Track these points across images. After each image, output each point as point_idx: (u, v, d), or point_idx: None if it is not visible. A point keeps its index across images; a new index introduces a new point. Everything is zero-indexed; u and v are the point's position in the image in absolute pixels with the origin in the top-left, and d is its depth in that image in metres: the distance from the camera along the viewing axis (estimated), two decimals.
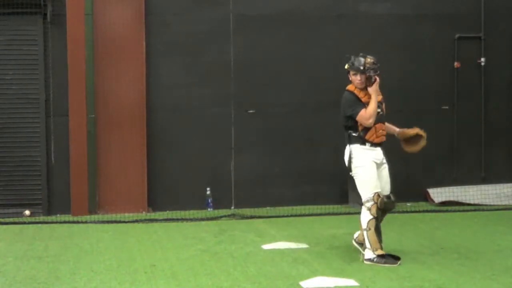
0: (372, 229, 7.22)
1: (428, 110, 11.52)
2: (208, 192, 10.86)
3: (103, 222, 10.08)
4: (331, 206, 10.86)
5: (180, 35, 10.95)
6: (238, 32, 10.99)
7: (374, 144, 7.43)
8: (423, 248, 7.90)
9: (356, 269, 6.89)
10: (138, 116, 10.72)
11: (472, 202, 11.20)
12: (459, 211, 10.71)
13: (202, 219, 10.15)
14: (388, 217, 10.22)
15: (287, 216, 10.16)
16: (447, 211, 10.68)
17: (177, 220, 10.12)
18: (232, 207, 10.71)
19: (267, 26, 11.09)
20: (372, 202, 7.27)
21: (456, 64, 11.50)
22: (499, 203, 11.23)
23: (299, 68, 11.22)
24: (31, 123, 10.67)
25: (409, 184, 11.37)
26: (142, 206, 10.71)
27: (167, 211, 10.66)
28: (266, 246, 8.08)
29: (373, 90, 7.40)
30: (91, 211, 10.52)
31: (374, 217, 7.25)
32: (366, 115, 7.31)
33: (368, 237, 7.22)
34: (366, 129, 7.36)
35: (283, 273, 6.79)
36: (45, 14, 10.53)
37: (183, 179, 10.95)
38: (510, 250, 7.83)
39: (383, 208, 7.37)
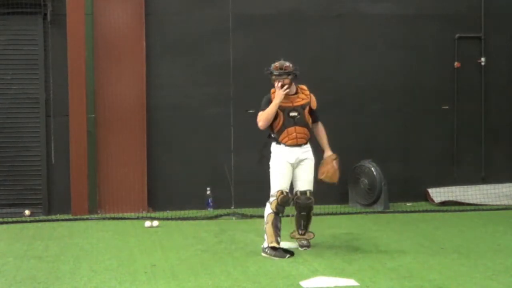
0: (270, 223, 7.68)
1: (428, 110, 11.53)
2: (208, 192, 10.87)
3: (104, 219, 10.17)
4: (331, 206, 10.86)
5: (180, 35, 10.95)
6: (237, 32, 10.99)
7: (289, 145, 7.76)
8: (423, 248, 7.89)
9: (356, 269, 6.89)
10: (138, 116, 10.72)
11: (472, 202, 11.20)
12: (459, 211, 10.71)
13: (202, 219, 10.16)
14: (388, 217, 10.29)
15: (287, 216, 10.14)
16: (447, 211, 10.68)
17: (177, 220, 10.13)
18: (232, 207, 10.71)
19: (267, 26, 11.09)
20: (274, 198, 7.71)
21: (456, 64, 11.50)
22: (499, 203, 11.23)
23: (299, 68, 11.19)
24: (31, 123, 10.67)
25: (409, 184, 11.38)
26: (142, 206, 10.71)
27: (167, 211, 10.67)
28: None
29: (276, 94, 7.80)
30: (91, 211, 10.52)
31: (274, 212, 7.67)
32: (259, 117, 7.83)
33: (266, 230, 7.68)
34: (279, 132, 7.79)
35: (283, 273, 6.79)
36: (45, 14, 10.53)
37: (183, 179, 10.95)
38: (510, 250, 7.83)
39: (283, 204, 7.74)
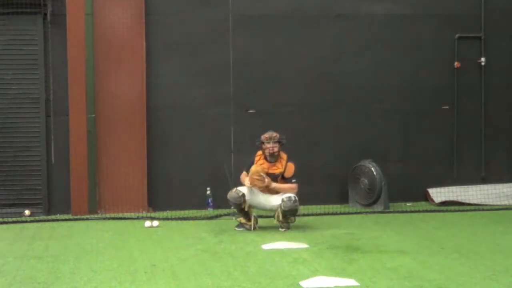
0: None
1: (428, 110, 11.53)
2: (208, 192, 10.87)
3: (104, 219, 10.18)
4: (331, 206, 10.86)
5: (180, 35, 10.96)
6: (237, 32, 11.00)
7: None
8: (423, 248, 7.89)
9: (356, 269, 6.88)
10: (138, 116, 10.73)
11: (472, 202, 11.21)
12: (459, 211, 10.71)
13: (202, 219, 10.16)
14: (388, 217, 10.30)
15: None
16: (447, 211, 10.68)
17: (177, 220, 10.13)
18: (232, 207, 10.69)
19: (267, 26, 11.10)
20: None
21: (456, 64, 11.51)
22: (499, 203, 11.23)
23: (299, 68, 11.23)
24: (31, 123, 10.67)
25: (409, 184, 11.39)
26: (142, 206, 10.72)
27: (167, 211, 10.66)
28: (266, 246, 8.07)
29: (248, 178, 9.06)
30: (91, 211, 10.52)
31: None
32: (241, 176, 9.21)
33: None
34: None
35: (283, 273, 6.78)
36: (45, 14, 10.54)
37: (183, 179, 10.96)
38: (510, 250, 7.83)
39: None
